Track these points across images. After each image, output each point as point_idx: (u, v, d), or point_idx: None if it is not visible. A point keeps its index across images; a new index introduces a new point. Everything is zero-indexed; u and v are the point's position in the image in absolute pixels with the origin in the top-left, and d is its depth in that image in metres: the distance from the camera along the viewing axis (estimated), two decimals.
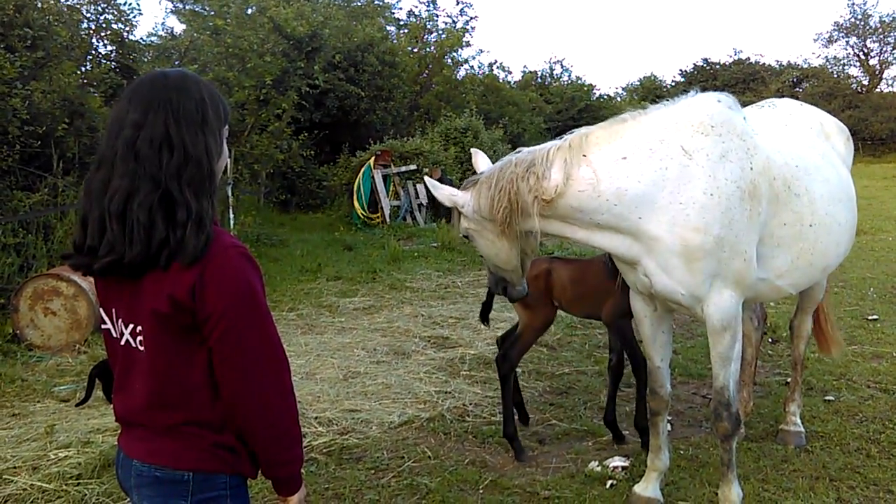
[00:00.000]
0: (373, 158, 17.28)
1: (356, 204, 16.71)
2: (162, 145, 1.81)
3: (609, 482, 4.20)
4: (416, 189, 17.26)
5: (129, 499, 2.04)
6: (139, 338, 1.87)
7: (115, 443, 2.06)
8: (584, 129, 3.59)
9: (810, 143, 4.13)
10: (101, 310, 1.99)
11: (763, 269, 3.69)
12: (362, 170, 17.03)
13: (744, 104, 4.07)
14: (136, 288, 1.84)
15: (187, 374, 1.86)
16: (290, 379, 1.94)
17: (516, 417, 4.91)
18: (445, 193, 3.64)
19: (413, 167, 17.61)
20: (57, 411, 5.42)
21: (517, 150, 3.69)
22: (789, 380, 5.07)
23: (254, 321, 1.84)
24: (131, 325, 1.88)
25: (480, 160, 3.84)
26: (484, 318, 5.04)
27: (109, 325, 1.96)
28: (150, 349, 1.86)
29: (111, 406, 2.10)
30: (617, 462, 4.41)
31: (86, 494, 4.11)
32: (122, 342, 1.92)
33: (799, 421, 4.75)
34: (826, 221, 3.90)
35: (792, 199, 3.72)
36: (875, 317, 7.77)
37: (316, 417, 5.17)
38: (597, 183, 3.40)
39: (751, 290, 3.68)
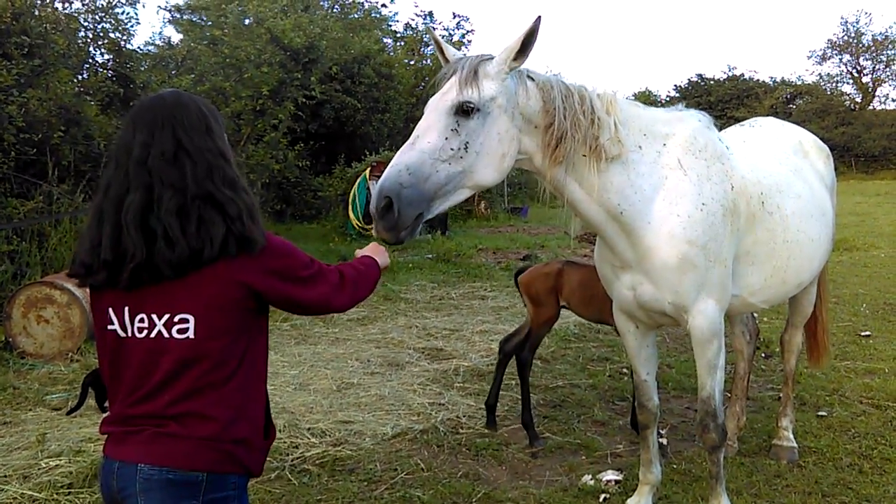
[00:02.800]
0: (368, 169, 17.31)
1: (351, 215, 16.72)
2: (178, 155, 1.96)
3: (602, 496, 4.20)
4: None
5: None
6: (177, 326, 1.94)
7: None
8: (609, 90, 3.37)
9: (782, 160, 4.16)
10: (109, 311, 1.99)
11: (736, 286, 3.70)
12: (358, 181, 17.06)
13: (737, 120, 4.12)
14: (176, 282, 1.92)
15: (228, 358, 1.98)
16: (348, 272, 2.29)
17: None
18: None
19: None
20: (48, 420, 5.39)
21: (556, 73, 3.29)
22: (781, 395, 5.09)
23: (306, 265, 2.11)
24: (167, 316, 1.94)
25: (449, 49, 3.19)
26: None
27: (116, 326, 1.98)
28: (203, 335, 1.94)
29: (104, 415, 2.10)
30: (610, 476, 4.40)
31: None
32: (142, 336, 1.95)
33: (791, 436, 4.76)
34: (798, 238, 3.93)
35: (765, 216, 3.76)
36: (868, 333, 7.79)
37: (309, 428, 5.15)
38: (629, 169, 3.33)
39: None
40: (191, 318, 1.93)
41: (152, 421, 1.95)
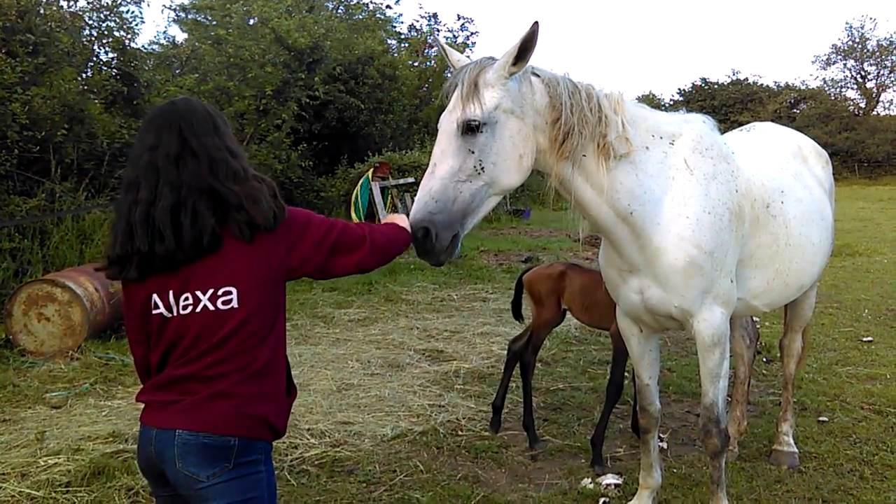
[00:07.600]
0: (371, 170, 17.30)
1: (353, 215, 16.70)
2: (182, 155, 2.14)
3: (602, 500, 4.18)
4: (413, 201, 17.29)
5: (150, 479, 2.29)
6: (222, 299, 2.14)
7: (138, 422, 2.29)
8: (616, 90, 3.34)
9: (782, 164, 4.16)
10: (154, 298, 2.17)
11: (739, 289, 3.69)
12: (360, 181, 17.05)
13: (741, 124, 4.10)
14: (212, 261, 2.13)
15: (266, 322, 2.21)
16: (376, 233, 2.47)
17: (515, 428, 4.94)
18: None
19: (411, 180, 17.66)
20: (48, 418, 5.39)
21: (564, 74, 3.22)
22: (782, 400, 5.07)
23: (331, 225, 2.33)
24: (210, 291, 2.14)
25: (454, 54, 3.27)
26: (516, 313, 5.41)
27: (162, 309, 2.16)
28: (245, 303, 2.15)
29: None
30: (610, 479, 4.39)
31: (75, 503, 4.08)
32: (187, 313, 2.14)
33: (792, 441, 4.75)
34: (800, 242, 3.93)
35: (769, 220, 3.75)
36: (869, 339, 7.77)
37: (308, 429, 5.15)
38: (637, 169, 3.31)
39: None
40: (233, 289, 2.14)
41: (193, 384, 2.14)
